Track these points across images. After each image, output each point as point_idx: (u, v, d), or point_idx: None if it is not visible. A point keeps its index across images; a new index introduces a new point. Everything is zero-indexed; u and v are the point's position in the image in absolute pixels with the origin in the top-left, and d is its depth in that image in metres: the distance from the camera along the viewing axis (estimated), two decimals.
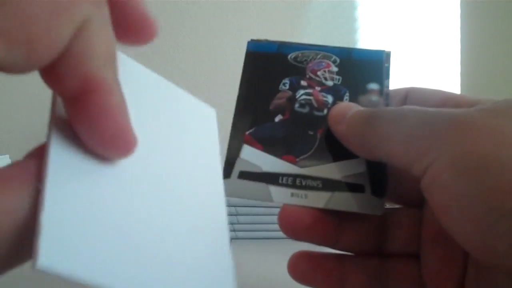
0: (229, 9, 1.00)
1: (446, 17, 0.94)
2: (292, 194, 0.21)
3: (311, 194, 0.21)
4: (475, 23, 0.93)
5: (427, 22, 0.95)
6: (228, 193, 0.21)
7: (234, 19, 0.99)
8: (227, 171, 0.22)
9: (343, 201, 0.21)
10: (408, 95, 0.23)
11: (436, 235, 0.21)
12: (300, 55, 0.24)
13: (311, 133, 0.23)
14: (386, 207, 0.22)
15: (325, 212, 0.21)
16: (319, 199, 0.21)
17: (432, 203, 0.18)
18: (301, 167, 0.22)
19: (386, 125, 0.19)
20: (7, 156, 0.51)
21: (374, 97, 0.23)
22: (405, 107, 0.19)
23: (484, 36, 0.93)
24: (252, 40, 0.25)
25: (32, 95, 1.04)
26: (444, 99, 0.22)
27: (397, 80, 0.24)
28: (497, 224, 0.15)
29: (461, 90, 0.96)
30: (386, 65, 0.24)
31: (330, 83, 0.23)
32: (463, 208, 0.16)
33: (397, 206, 0.23)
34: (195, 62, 0.97)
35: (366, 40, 0.96)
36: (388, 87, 0.24)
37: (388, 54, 0.24)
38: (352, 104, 0.22)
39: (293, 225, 0.21)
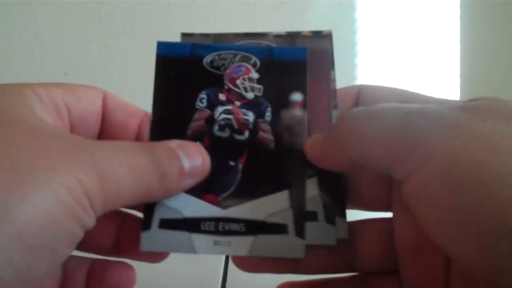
0: (227, 9, 1.00)
1: (446, 18, 0.94)
2: (215, 242, 0.21)
3: (234, 240, 0.21)
4: (475, 24, 0.93)
5: (427, 23, 0.94)
6: (148, 247, 0.20)
7: (231, 20, 0.99)
8: (147, 221, 0.21)
9: (266, 245, 0.21)
10: (360, 95, 0.22)
11: (411, 248, 0.20)
12: (216, 58, 0.22)
13: (232, 163, 0.22)
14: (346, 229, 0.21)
15: None
16: (242, 246, 0.21)
17: (419, 216, 0.16)
18: (224, 208, 0.21)
19: (363, 123, 0.17)
20: None
21: (298, 112, 0.22)
22: (381, 105, 0.18)
23: (484, 37, 0.93)
24: (161, 41, 0.23)
25: None
26: (400, 102, 0.20)
27: (397, 80, 0.23)
28: (501, 242, 0.13)
29: (461, 91, 0.95)
30: (330, 51, 0.23)
31: (250, 95, 0.22)
32: (458, 225, 0.14)
33: (360, 210, 0.22)
34: None
35: (365, 41, 0.96)
36: (335, 80, 0.22)
37: (329, 36, 0.23)
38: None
39: (243, 262, 0.21)
